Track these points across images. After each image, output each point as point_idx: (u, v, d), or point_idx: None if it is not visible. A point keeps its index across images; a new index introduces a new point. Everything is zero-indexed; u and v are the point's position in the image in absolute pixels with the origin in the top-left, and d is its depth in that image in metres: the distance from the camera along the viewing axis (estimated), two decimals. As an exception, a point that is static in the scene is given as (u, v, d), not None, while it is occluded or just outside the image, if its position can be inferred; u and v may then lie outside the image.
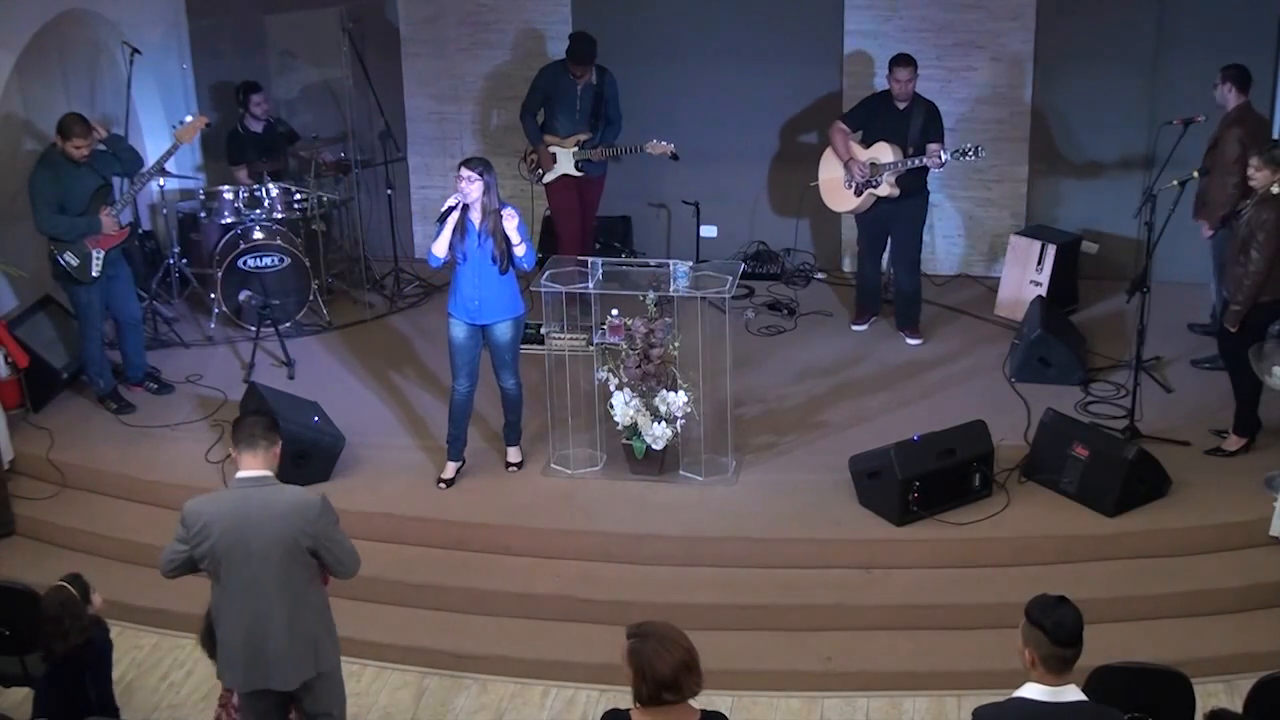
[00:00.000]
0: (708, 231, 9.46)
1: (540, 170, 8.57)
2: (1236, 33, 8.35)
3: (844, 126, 8.17)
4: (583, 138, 8.46)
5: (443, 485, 6.91)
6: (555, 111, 8.49)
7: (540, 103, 8.52)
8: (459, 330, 6.66)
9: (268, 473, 4.66)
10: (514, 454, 7.04)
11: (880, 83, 9.07)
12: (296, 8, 9.57)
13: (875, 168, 7.98)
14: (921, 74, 8.70)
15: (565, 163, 8.50)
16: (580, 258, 7.00)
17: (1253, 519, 6.33)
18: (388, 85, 9.60)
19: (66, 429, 7.60)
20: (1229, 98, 7.67)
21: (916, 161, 7.86)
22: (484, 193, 6.41)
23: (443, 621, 6.33)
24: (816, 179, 8.39)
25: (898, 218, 8.18)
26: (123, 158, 7.60)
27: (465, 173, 6.41)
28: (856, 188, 8.09)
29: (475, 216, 6.47)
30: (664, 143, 8.32)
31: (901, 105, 7.96)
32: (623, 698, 3.89)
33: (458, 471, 6.96)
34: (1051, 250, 8.52)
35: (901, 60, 7.92)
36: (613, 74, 8.54)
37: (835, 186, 8.25)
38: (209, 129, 8.74)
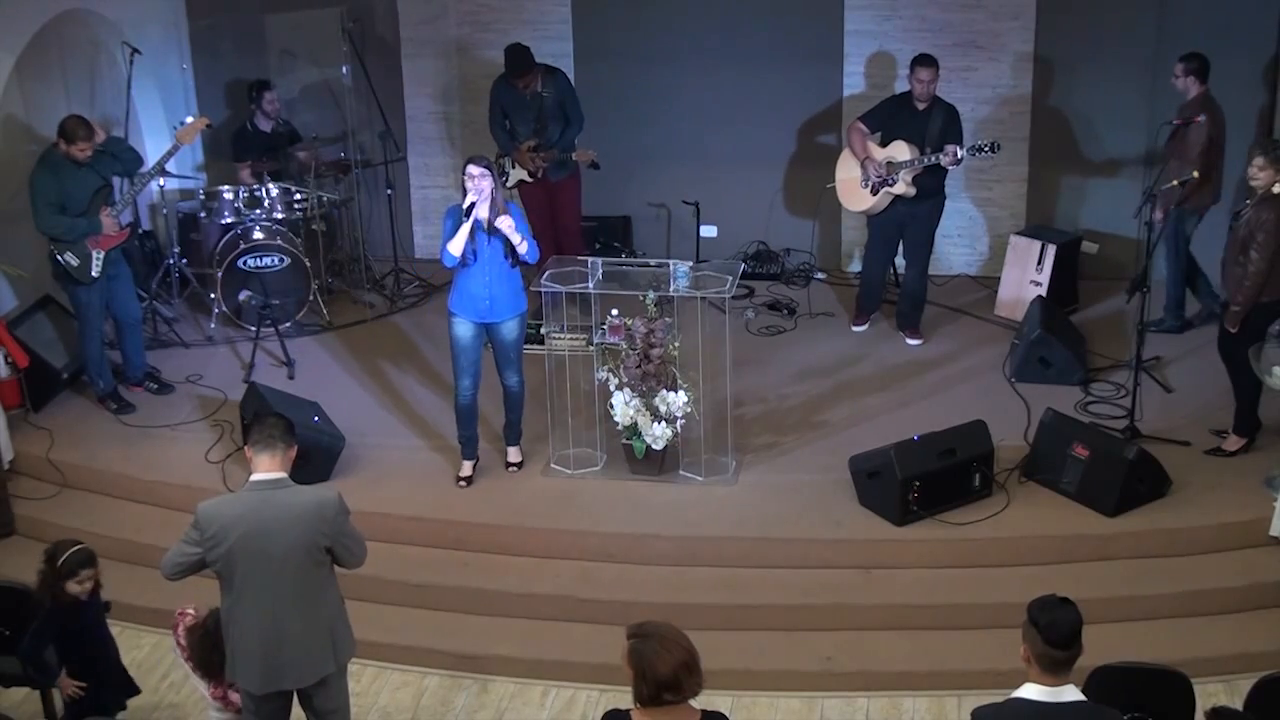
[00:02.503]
0: (708, 231, 9.46)
1: (504, 176, 8.61)
2: (1236, 33, 8.36)
3: (862, 126, 8.12)
4: (531, 143, 8.47)
5: (463, 484, 6.91)
6: (513, 121, 8.54)
7: (501, 113, 8.57)
8: (464, 329, 6.63)
9: (283, 475, 4.65)
10: (514, 454, 7.03)
11: (881, 82, 9.09)
12: (296, 8, 9.58)
13: (891, 166, 7.94)
14: (921, 74, 8.71)
15: (519, 169, 8.56)
16: (580, 258, 7.00)
17: (1253, 519, 6.33)
18: (388, 85, 9.60)
19: (66, 429, 7.60)
20: (1191, 88, 7.77)
21: (932, 159, 7.80)
22: (492, 188, 6.41)
23: (443, 621, 6.33)
24: (833, 180, 8.35)
25: (913, 219, 8.13)
26: (122, 158, 7.60)
27: (476, 169, 6.38)
28: (873, 186, 8.05)
29: (483, 213, 6.44)
30: (588, 151, 8.39)
31: (921, 106, 7.90)
32: (622, 698, 3.89)
33: (474, 469, 6.95)
34: (1051, 250, 8.51)
35: (924, 60, 7.85)
36: (565, 74, 8.57)
37: (852, 186, 8.20)
38: (209, 130, 8.74)
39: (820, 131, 9.37)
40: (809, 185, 9.16)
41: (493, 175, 6.40)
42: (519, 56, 8.38)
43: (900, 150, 7.94)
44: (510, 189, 8.64)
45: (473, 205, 6.38)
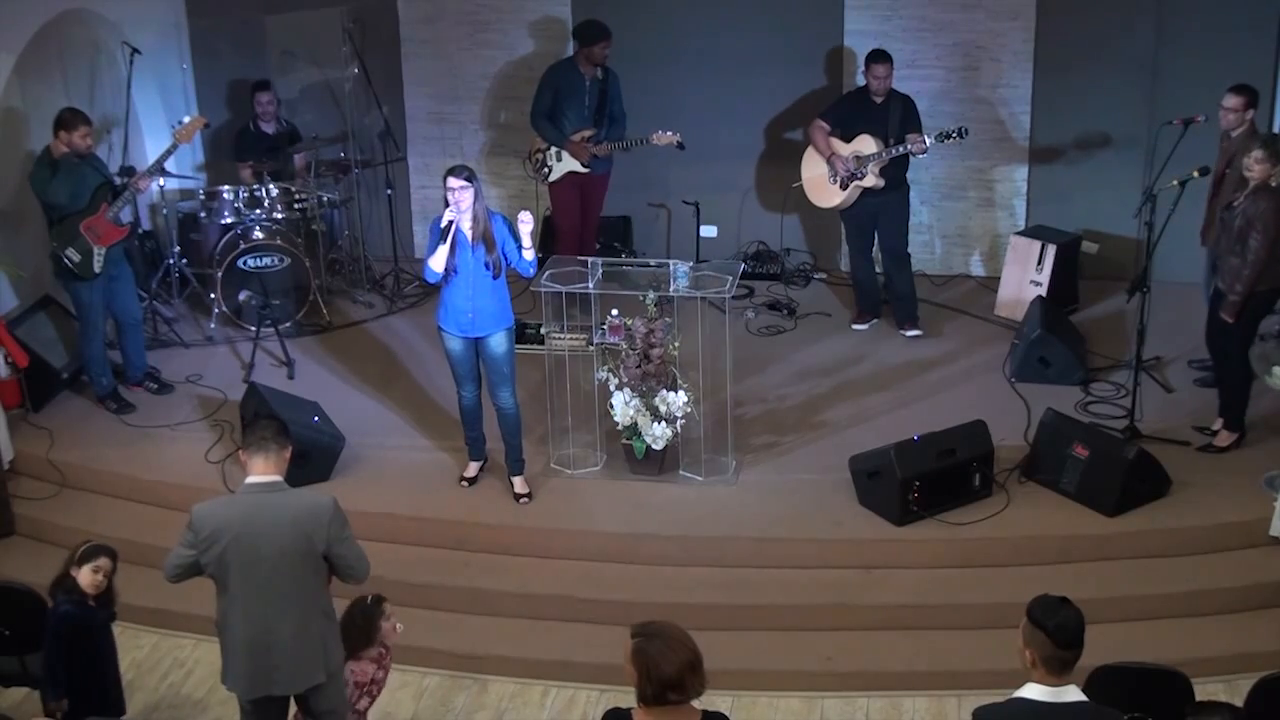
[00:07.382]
0: (708, 231, 9.46)
1: (546, 169, 8.56)
2: (1236, 33, 8.36)
3: (824, 124, 8.30)
4: (588, 133, 8.46)
5: (465, 484, 6.88)
6: (563, 109, 8.48)
7: (550, 103, 8.50)
8: (454, 343, 6.53)
9: (278, 478, 4.63)
10: (520, 484, 6.78)
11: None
12: (297, 8, 9.57)
13: (860, 159, 8.07)
14: (922, 74, 8.74)
15: (571, 159, 8.50)
16: (580, 257, 6.99)
17: (1253, 519, 6.33)
18: (388, 85, 9.60)
19: (66, 429, 7.59)
20: (1246, 121, 7.21)
21: (899, 150, 7.95)
22: (474, 200, 6.26)
23: (443, 621, 6.33)
24: (799, 179, 8.49)
25: (883, 211, 8.27)
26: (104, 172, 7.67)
27: (456, 182, 6.18)
28: (841, 181, 8.17)
29: (466, 226, 6.30)
30: (669, 133, 8.34)
31: (879, 100, 8.09)
32: (622, 698, 3.89)
33: (480, 470, 6.93)
34: (1051, 250, 8.52)
35: (878, 56, 8.05)
36: (615, 72, 8.56)
37: (820, 183, 8.35)
38: (208, 130, 8.72)
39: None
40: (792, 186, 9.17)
41: (475, 188, 6.23)
42: (599, 23, 8.38)
43: (866, 144, 8.10)
44: (553, 183, 8.60)
45: (451, 224, 6.22)
